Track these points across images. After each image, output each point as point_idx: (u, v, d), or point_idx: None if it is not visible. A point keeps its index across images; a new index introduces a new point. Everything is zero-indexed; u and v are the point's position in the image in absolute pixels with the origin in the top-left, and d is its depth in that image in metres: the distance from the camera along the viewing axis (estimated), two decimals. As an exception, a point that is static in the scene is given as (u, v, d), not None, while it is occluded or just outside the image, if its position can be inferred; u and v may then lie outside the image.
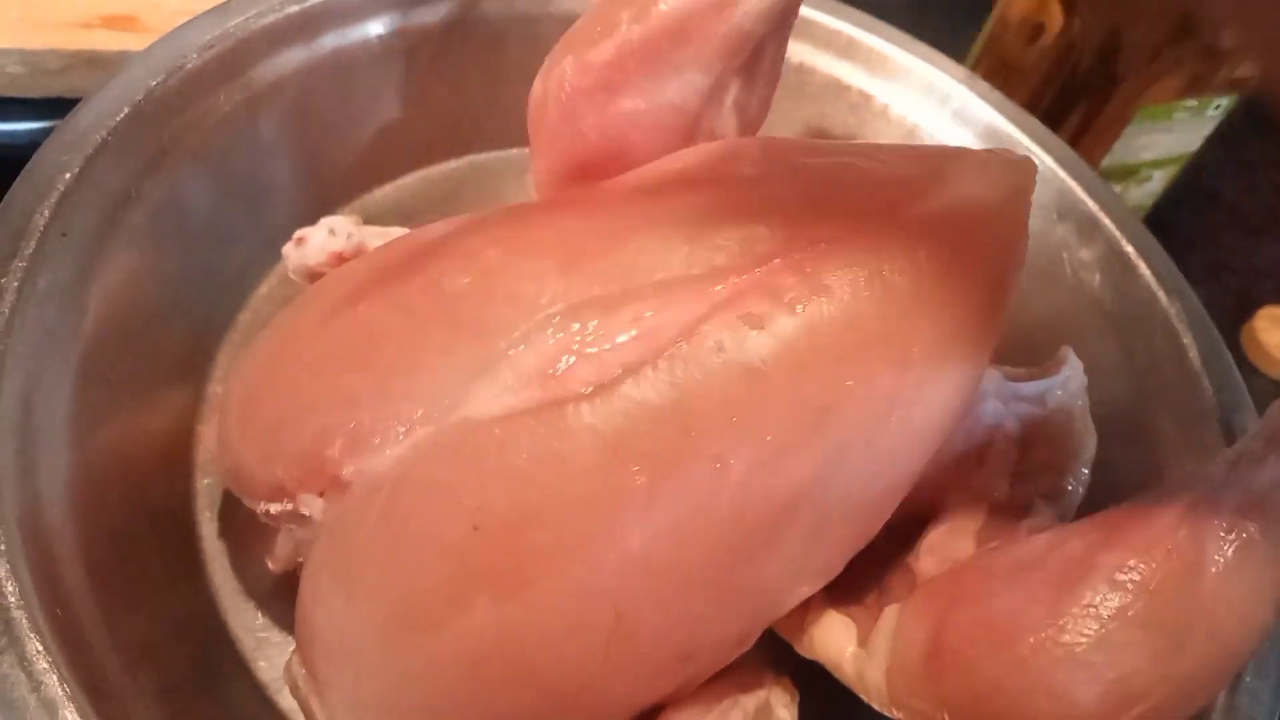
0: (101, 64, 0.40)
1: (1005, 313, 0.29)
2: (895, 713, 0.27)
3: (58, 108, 0.36)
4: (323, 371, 0.28)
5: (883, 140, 0.43)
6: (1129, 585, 0.24)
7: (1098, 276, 0.39)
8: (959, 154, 0.29)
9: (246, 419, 0.29)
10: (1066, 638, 0.24)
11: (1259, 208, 0.72)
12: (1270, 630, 0.26)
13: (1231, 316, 0.63)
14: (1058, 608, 0.24)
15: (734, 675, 0.29)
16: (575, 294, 0.27)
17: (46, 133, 0.33)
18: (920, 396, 0.27)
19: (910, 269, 0.27)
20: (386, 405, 0.26)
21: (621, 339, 0.26)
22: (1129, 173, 0.57)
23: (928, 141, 0.42)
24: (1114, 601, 0.24)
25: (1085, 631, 0.24)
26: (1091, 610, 0.24)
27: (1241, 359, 0.60)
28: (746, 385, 0.25)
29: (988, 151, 0.29)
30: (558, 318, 0.26)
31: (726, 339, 0.26)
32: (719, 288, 0.26)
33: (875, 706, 0.27)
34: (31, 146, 0.32)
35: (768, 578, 0.27)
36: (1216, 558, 0.24)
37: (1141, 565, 0.24)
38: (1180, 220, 0.66)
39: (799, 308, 0.26)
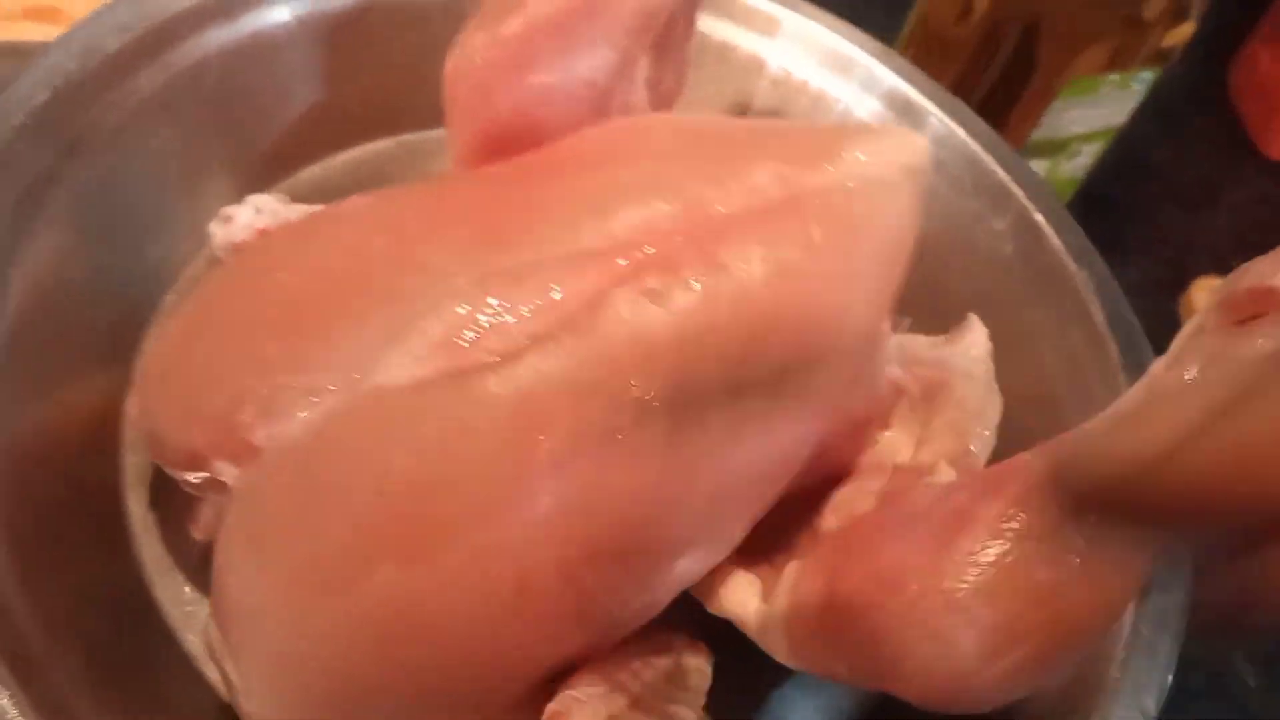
0: (25, 55, 0.40)
1: (899, 286, 0.30)
2: (796, 663, 0.28)
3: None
4: (238, 338, 0.28)
5: (804, 114, 0.44)
6: (1007, 533, 0.25)
7: (1010, 246, 0.40)
8: (856, 131, 0.30)
9: (164, 384, 0.29)
10: (947, 584, 0.25)
11: (1194, 180, 0.73)
12: (1148, 576, 0.27)
13: (1169, 288, 0.65)
14: (940, 556, 0.25)
15: (647, 638, 0.30)
16: (484, 265, 0.27)
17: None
18: (815, 368, 0.28)
19: (805, 244, 0.28)
20: (299, 372, 0.27)
21: (526, 310, 0.26)
22: (1058, 147, 0.58)
23: (845, 115, 0.43)
24: (993, 550, 0.25)
25: (966, 578, 0.25)
26: (972, 558, 0.25)
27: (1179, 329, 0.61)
28: (645, 358, 0.26)
29: (883, 127, 0.30)
30: (467, 288, 0.27)
31: (627, 314, 0.26)
32: (622, 261, 0.27)
33: (779, 659, 0.28)
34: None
35: (669, 544, 0.28)
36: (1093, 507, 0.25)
37: (1019, 514, 0.25)
38: (1116, 194, 0.68)
39: (695, 284, 0.27)
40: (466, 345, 0.26)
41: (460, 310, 0.27)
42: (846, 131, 0.31)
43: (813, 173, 0.29)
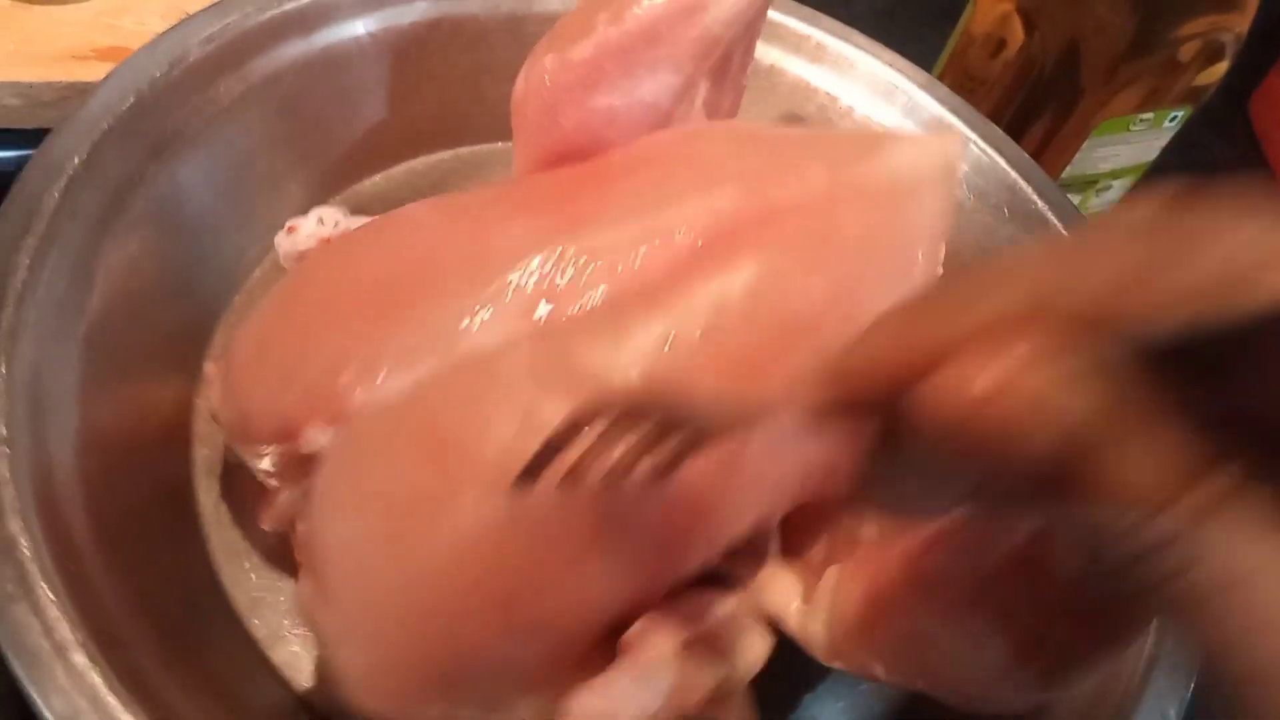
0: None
1: (934, 274, 0.32)
2: (835, 662, 0.29)
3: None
4: (331, 314, 0.30)
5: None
6: (1046, 540, 0.26)
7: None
8: (896, 135, 0.32)
9: (256, 364, 0.31)
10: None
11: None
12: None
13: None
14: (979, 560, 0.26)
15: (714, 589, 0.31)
16: (563, 243, 0.30)
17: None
18: None
19: (856, 231, 0.30)
20: (394, 339, 0.29)
21: (607, 281, 0.29)
22: (1089, 183, 0.59)
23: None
24: (1033, 555, 0.26)
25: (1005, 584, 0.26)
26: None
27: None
28: (718, 328, 0.28)
29: (923, 134, 0.32)
30: (548, 264, 0.29)
31: (702, 284, 0.28)
32: (693, 238, 0.30)
33: (817, 658, 0.30)
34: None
35: (739, 492, 0.29)
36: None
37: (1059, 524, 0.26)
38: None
39: (761, 261, 0.29)
40: (551, 314, 0.29)
41: (543, 282, 0.29)
42: (888, 135, 0.33)
43: (859, 166, 0.31)
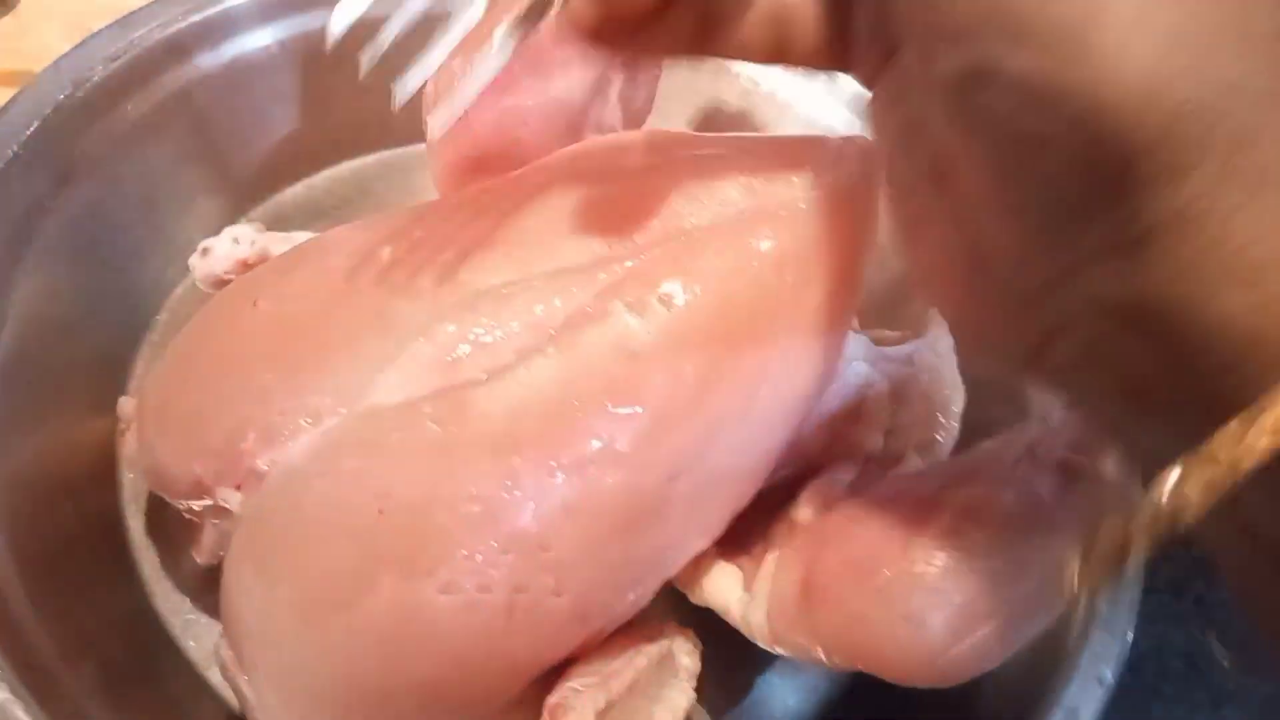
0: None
1: (861, 286, 0.31)
2: (778, 648, 0.30)
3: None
4: (234, 369, 0.30)
5: (771, 123, 0.46)
6: (972, 518, 0.27)
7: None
8: (818, 143, 0.32)
9: (163, 420, 0.30)
10: (918, 568, 0.26)
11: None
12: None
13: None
14: (910, 542, 0.27)
15: (638, 628, 0.31)
16: (471, 286, 0.29)
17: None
18: (788, 368, 0.30)
19: (774, 253, 0.29)
20: (297, 398, 0.28)
21: (515, 326, 0.28)
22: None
23: (811, 123, 0.45)
24: (959, 534, 0.26)
25: (934, 562, 0.26)
26: (939, 543, 0.26)
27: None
28: (627, 367, 0.28)
29: (843, 139, 0.32)
30: (454, 309, 0.29)
31: (609, 326, 0.28)
32: (602, 276, 0.29)
33: (761, 645, 0.30)
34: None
35: (656, 542, 0.29)
36: (1049, 488, 0.27)
37: (983, 500, 0.27)
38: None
39: (673, 295, 0.28)
40: (456, 363, 0.28)
41: (450, 330, 0.28)
42: (811, 142, 0.32)
43: (780, 183, 0.30)
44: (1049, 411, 0.29)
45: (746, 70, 0.46)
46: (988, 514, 0.27)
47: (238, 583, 0.28)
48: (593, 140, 0.35)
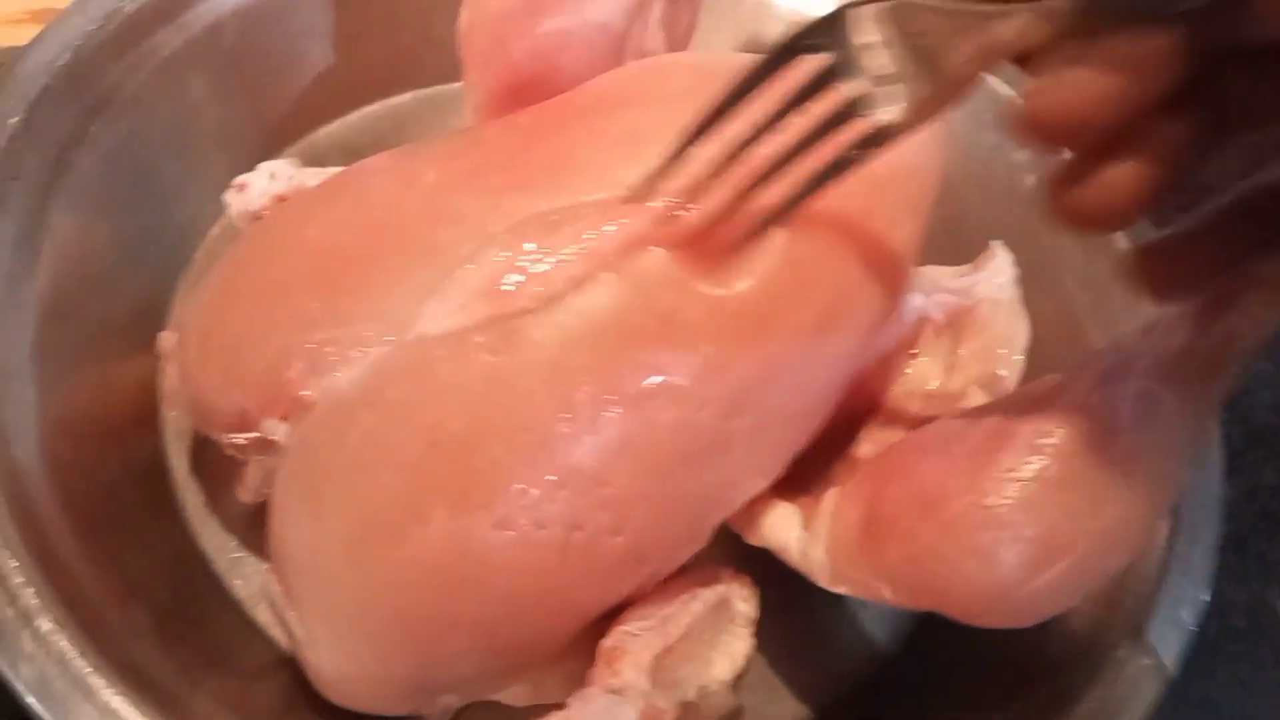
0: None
1: (925, 221, 0.30)
2: (839, 587, 0.28)
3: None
4: (277, 296, 0.29)
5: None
6: (1045, 449, 0.25)
7: (1030, 177, 0.40)
8: None
9: (204, 350, 0.30)
10: (989, 500, 0.25)
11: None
12: (1184, 484, 0.27)
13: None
14: (980, 474, 0.25)
15: (693, 573, 0.31)
16: (519, 211, 0.28)
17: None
18: (851, 304, 0.29)
19: (840, 186, 0.28)
20: (343, 326, 0.27)
21: (565, 255, 0.27)
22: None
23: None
24: (1032, 465, 0.25)
25: (1006, 494, 0.25)
26: (1011, 474, 0.25)
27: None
28: (685, 299, 0.27)
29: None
30: (503, 235, 0.27)
31: (666, 255, 0.27)
32: (657, 204, 0.27)
33: (821, 584, 0.29)
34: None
35: (714, 480, 0.28)
36: (1127, 417, 0.25)
37: (1057, 429, 0.25)
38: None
39: (730, 222, 0.27)
40: (506, 292, 0.27)
41: (498, 257, 0.27)
42: None
43: None
44: (1123, 340, 0.28)
45: (789, 3, 0.45)
46: (1062, 444, 0.25)
47: (284, 516, 0.28)
48: (634, 64, 0.33)
